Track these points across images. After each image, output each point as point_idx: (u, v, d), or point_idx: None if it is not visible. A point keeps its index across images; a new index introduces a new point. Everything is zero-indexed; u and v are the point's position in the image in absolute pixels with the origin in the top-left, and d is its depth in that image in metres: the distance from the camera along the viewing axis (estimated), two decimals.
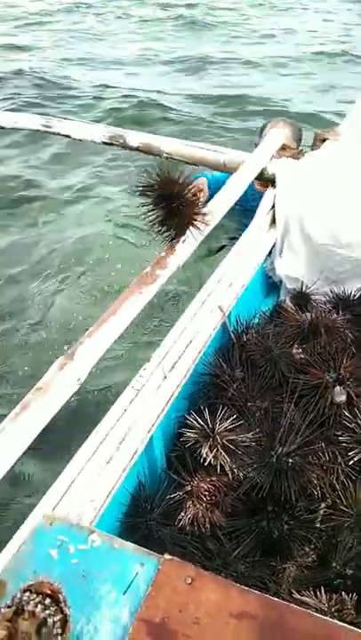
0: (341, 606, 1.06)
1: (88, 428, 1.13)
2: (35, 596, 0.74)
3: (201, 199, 2.15)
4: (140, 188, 1.28)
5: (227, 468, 1.24)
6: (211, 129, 4.76)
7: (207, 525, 1.23)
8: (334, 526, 1.21)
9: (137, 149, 1.99)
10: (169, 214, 1.32)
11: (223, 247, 2.70)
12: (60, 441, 1.38)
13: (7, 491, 1.73)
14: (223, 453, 1.25)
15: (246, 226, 1.88)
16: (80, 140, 2.04)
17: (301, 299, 1.87)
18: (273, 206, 1.94)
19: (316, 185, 1.94)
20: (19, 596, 0.74)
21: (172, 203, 1.29)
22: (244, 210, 2.31)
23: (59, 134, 2.05)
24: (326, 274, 1.95)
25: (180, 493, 1.26)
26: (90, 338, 1.09)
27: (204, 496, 1.25)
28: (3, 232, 3.27)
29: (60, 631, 0.73)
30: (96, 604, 0.81)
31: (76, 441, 1.11)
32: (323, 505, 1.25)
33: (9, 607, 0.72)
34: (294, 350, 1.49)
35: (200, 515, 1.24)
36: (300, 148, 2.31)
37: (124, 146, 2.01)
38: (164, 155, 1.97)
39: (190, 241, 1.42)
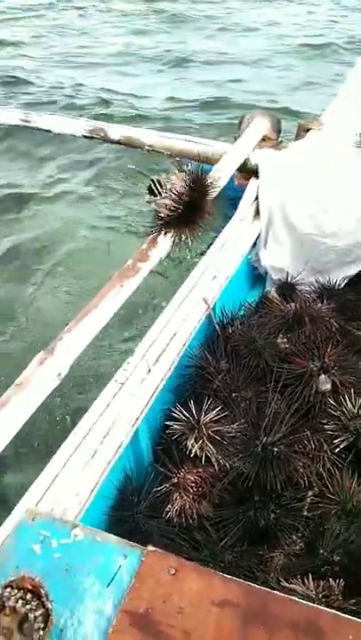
0: (329, 592, 1.06)
1: (72, 423, 1.12)
2: (16, 591, 0.74)
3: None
4: (168, 195, 1.28)
5: (213, 459, 1.24)
6: (192, 125, 4.72)
7: (194, 516, 1.23)
8: (321, 514, 1.21)
9: (118, 142, 1.98)
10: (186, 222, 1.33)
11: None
12: (43, 437, 1.37)
13: None
14: (209, 444, 1.25)
15: (230, 217, 1.88)
16: (60, 135, 2.01)
17: (287, 289, 1.87)
18: (256, 197, 1.93)
19: (300, 175, 1.94)
20: (0, 592, 0.73)
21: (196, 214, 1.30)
22: (227, 201, 2.31)
23: (38, 129, 2.03)
24: (312, 264, 1.95)
25: (167, 485, 1.26)
26: (70, 333, 1.08)
27: (191, 487, 1.25)
28: None
29: (42, 625, 0.72)
30: (79, 598, 0.80)
31: (60, 436, 1.10)
32: (310, 493, 1.26)
33: None
34: (279, 340, 1.49)
35: (187, 506, 1.23)
36: (280, 139, 2.30)
37: (105, 139, 2.00)
38: (146, 147, 1.96)
39: (172, 233, 1.41)
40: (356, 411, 1.27)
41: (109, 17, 9.07)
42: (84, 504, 1.05)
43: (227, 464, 1.23)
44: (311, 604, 0.79)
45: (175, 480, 1.26)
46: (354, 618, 0.76)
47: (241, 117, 2.53)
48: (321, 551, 1.14)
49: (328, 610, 0.79)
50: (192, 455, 1.26)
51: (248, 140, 1.97)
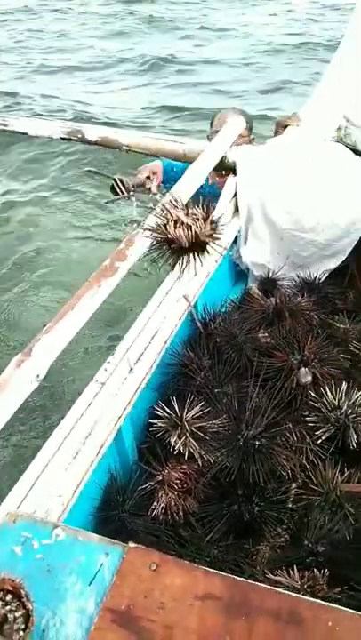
0: (314, 583, 1.07)
1: (52, 425, 1.12)
2: None
3: (154, 183, 2.18)
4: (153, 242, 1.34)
5: (196, 455, 1.25)
6: (169, 131, 4.70)
7: (180, 513, 1.23)
8: (305, 505, 1.22)
9: (96, 143, 1.98)
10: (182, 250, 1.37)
11: None
12: (23, 439, 1.37)
13: None
14: (192, 441, 1.25)
15: None
16: (37, 137, 2.01)
17: (268, 285, 1.88)
18: (235, 194, 1.94)
19: (278, 171, 1.95)
20: None
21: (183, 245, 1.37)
22: (203, 199, 2.33)
23: (15, 132, 2.02)
24: (292, 259, 1.96)
25: (152, 483, 1.26)
26: (47, 334, 1.08)
27: (176, 484, 1.25)
28: None
29: (22, 626, 0.72)
30: (61, 597, 0.80)
31: (41, 438, 1.10)
32: (294, 485, 1.27)
33: None
34: (260, 335, 1.50)
35: (173, 503, 1.24)
36: (252, 136, 2.32)
37: (83, 140, 1.99)
38: (124, 147, 1.96)
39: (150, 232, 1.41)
40: (336, 402, 1.28)
41: (86, 19, 9.02)
42: (68, 505, 1.05)
43: (210, 459, 1.23)
44: (292, 593, 0.80)
45: (160, 477, 1.26)
46: (334, 605, 0.77)
47: (213, 116, 2.56)
48: (306, 542, 1.15)
49: (308, 598, 0.79)
50: (176, 452, 1.26)
51: (225, 137, 1.98)
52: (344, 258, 1.90)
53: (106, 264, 1.29)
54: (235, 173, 1.95)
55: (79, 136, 2.02)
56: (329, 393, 1.30)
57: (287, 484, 1.24)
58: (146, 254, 1.40)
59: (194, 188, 1.67)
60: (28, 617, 0.74)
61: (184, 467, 1.27)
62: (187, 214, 1.44)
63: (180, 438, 1.26)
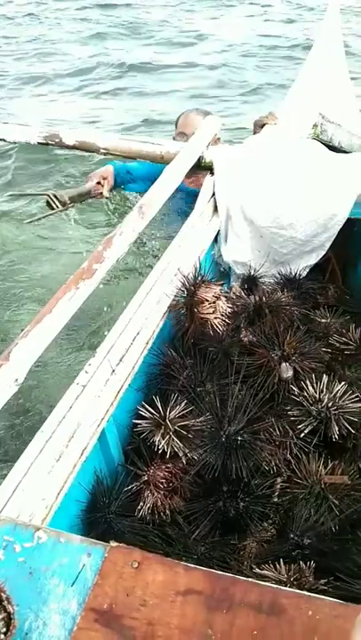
0: (300, 575, 1.08)
1: (34, 430, 1.12)
2: None
3: (105, 187, 2.23)
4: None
5: (180, 454, 1.25)
6: (145, 136, 4.66)
7: (167, 512, 1.23)
8: (290, 499, 1.23)
9: (73, 147, 1.98)
10: None
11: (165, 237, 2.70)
12: (2, 444, 1.36)
13: None
14: (176, 439, 1.25)
15: (185, 216, 1.89)
16: (15, 143, 2.00)
17: (250, 282, 1.89)
18: (213, 194, 1.95)
19: (255, 169, 1.96)
20: None
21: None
22: (180, 200, 2.36)
23: None
24: (273, 256, 1.97)
25: (138, 484, 1.26)
26: (25, 338, 1.08)
27: (161, 484, 1.25)
28: None
29: (3, 630, 0.72)
30: (44, 599, 0.80)
31: (22, 443, 1.09)
32: (279, 480, 1.27)
33: None
34: (242, 333, 1.51)
35: (159, 502, 1.24)
36: (218, 136, 2.34)
37: (61, 145, 1.99)
38: (101, 151, 1.96)
39: (128, 233, 1.42)
40: (317, 395, 1.29)
41: (61, 23, 8.97)
42: (52, 508, 1.05)
43: (194, 457, 1.24)
44: (273, 585, 0.80)
45: (145, 478, 1.27)
46: (315, 594, 0.78)
47: (177, 117, 2.59)
48: (291, 536, 1.16)
49: (289, 589, 0.80)
50: (160, 452, 1.26)
51: (202, 137, 1.99)
52: (324, 253, 1.92)
53: (84, 266, 1.29)
54: (212, 173, 1.96)
55: (57, 140, 2.02)
56: (310, 386, 1.31)
57: (272, 479, 1.25)
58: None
59: (172, 189, 1.67)
60: (9, 620, 0.73)
61: (169, 466, 1.27)
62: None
63: (163, 437, 1.26)
